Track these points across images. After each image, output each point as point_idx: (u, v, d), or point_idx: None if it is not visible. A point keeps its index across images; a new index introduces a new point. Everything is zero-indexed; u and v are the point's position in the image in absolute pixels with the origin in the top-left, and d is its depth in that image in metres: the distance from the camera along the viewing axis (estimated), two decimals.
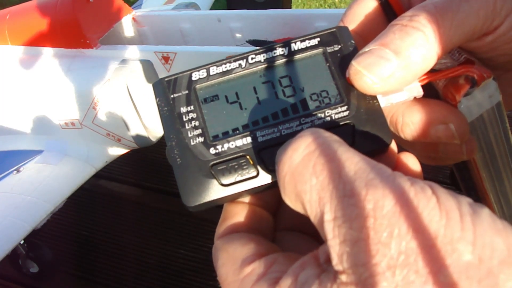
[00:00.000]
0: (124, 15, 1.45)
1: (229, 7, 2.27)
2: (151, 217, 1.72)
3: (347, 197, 0.19)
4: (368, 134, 0.25)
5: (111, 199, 1.80)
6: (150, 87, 1.28)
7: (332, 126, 0.25)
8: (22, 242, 1.40)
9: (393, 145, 0.27)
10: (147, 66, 1.28)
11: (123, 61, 1.27)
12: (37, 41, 1.36)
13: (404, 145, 0.29)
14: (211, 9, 1.87)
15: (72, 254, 1.65)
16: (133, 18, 1.46)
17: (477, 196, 0.32)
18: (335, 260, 0.19)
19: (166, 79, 0.28)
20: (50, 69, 1.33)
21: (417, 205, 0.18)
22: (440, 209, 0.18)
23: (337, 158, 0.20)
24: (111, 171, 1.77)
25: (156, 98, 0.27)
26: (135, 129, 1.31)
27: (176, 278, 1.57)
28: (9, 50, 1.40)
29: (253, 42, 1.16)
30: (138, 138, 1.33)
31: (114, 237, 1.68)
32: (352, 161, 0.20)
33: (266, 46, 0.28)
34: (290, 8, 2.36)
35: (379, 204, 0.18)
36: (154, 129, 1.33)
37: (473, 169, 0.31)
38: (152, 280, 1.57)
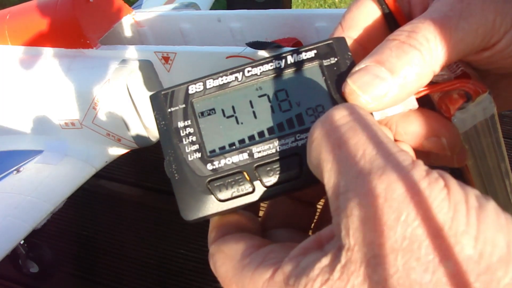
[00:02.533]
0: (124, 15, 1.44)
1: (229, 7, 2.27)
2: (151, 217, 1.72)
3: (364, 174, 0.19)
4: None
5: (111, 199, 1.80)
6: (150, 87, 1.28)
7: None
8: (22, 242, 1.40)
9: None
10: (147, 66, 1.28)
11: (123, 61, 1.27)
12: (37, 41, 1.36)
13: None
14: (211, 9, 1.87)
15: (72, 254, 1.66)
16: (133, 18, 1.46)
17: None
18: (343, 233, 0.19)
19: (163, 92, 0.28)
20: (50, 69, 1.33)
21: (428, 195, 0.19)
22: (450, 202, 0.18)
23: (364, 134, 0.21)
24: (111, 171, 1.77)
25: (153, 112, 0.28)
26: (135, 129, 1.31)
27: (176, 278, 1.57)
28: (9, 50, 1.40)
29: (253, 44, 1.16)
30: (138, 138, 1.33)
31: (114, 237, 1.68)
32: (378, 140, 0.21)
33: (262, 58, 0.28)
34: (290, 8, 2.36)
35: (392, 186, 0.19)
36: (154, 129, 1.33)
37: (465, 173, 0.31)
38: (152, 280, 1.57)
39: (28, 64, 1.36)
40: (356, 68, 0.25)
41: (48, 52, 1.36)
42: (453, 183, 0.19)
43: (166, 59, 1.26)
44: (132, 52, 1.29)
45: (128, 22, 1.46)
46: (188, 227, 1.66)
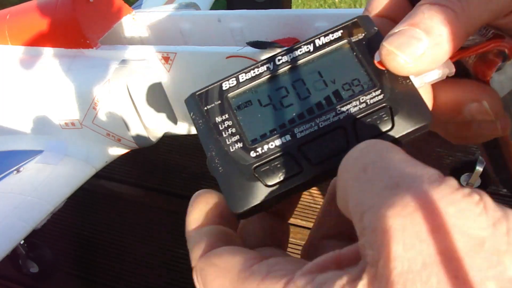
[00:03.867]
0: (124, 15, 1.44)
1: (229, 7, 2.27)
2: (151, 217, 1.73)
3: (390, 188, 0.18)
4: (407, 114, 0.25)
5: (111, 199, 1.80)
6: (150, 87, 1.28)
7: (369, 111, 0.25)
8: (22, 242, 1.40)
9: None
10: (147, 66, 1.28)
11: (123, 61, 1.27)
12: (37, 41, 1.36)
13: (436, 126, 0.29)
14: (211, 9, 1.88)
15: (72, 254, 1.65)
16: (133, 18, 1.46)
17: (509, 173, 0.32)
18: (367, 250, 0.18)
19: (197, 93, 0.28)
20: (50, 69, 1.33)
21: (463, 207, 0.17)
22: (487, 217, 0.17)
23: (389, 156, 0.20)
24: (111, 171, 1.77)
25: (190, 113, 0.27)
26: (135, 129, 1.31)
27: (176, 278, 1.57)
28: (9, 50, 1.40)
29: (253, 44, 1.16)
30: (138, 138, 1.33)
31: (114, 237, 1.68)
32: (403, 160, 0.20)
33: (290, 46, 0.28)
34: (290, 8, 2.37)
35: (421, 198, 0.17)
36: (154, 129, 1.33)
37: (505, 146, 0.30)
38: (152, 280, 1.57)
39: (28, 64, 1.36)
40: (391, 32, 0.25)
41: (48, 52, 1.36)
42: (490, 200, 0.18)
43: (166, 59, 1.26)
44: (132, 52, 1.29)
45: (128, 22, 1.46)
46: None
